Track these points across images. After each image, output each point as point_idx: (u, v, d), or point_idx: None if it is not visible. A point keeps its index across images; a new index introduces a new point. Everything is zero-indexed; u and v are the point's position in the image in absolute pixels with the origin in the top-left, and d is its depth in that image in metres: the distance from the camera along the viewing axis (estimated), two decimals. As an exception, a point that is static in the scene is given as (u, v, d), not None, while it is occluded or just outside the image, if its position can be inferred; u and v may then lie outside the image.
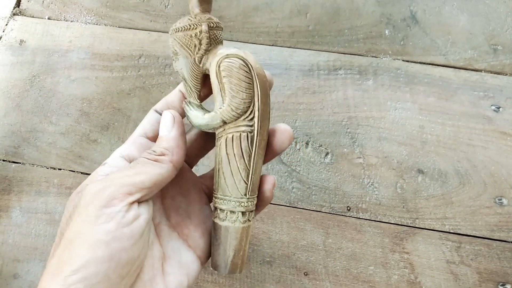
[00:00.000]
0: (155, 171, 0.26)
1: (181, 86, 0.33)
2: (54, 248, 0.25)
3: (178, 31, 0.29)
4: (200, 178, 0.33)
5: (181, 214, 0.31)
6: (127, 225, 0.24)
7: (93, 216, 0.24)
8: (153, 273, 0.27)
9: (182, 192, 0.31)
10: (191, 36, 0.29)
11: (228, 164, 0.29)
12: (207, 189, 0.33)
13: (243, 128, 0.29)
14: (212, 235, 0.30)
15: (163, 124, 0.29)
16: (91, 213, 0.24)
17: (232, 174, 0.29)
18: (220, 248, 0.30)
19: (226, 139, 0.29)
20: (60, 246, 0.24)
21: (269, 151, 0.31)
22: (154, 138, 0.32)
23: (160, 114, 0.32)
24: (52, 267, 0.23)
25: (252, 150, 0.30)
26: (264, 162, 0.31)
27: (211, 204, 0.30)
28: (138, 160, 0.27)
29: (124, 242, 0.24)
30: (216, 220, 0.30)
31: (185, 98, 0.31)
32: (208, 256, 0.31)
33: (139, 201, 0.26)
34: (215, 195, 0.30)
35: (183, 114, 0.32)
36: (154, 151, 0.28)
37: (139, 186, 0.25)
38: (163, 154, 0.27)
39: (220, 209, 0.29)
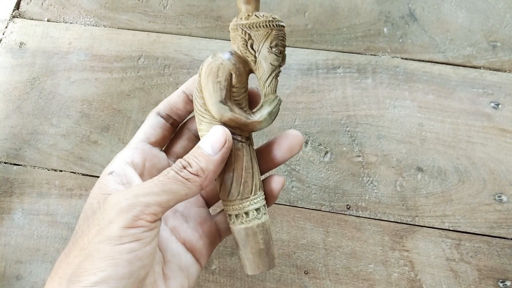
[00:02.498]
0: (182, 191, 0.25)
1: (184, 87, 0.32)
2: (67, 253, 0.25)
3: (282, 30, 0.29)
4: None
5: (177, 218, 0.31)
6: (149, 243, 0.24)
7: (117, 235, 0.23)
8: (154, 278, 0.27)
9: None
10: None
11: (256, 161, 0.30)
12: (204, 192, 0.33)
13: None
14: (256, 239, 0.29)
15: (212, 140, 0.27)
16: (115, 231, 0.23)
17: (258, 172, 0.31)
18: (271, 244, 0.30)
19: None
20: (77, 256, 0.24)
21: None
22: (156, 144, 0.31)
23: (162, 118, 0.32)
24: (67, 274, 0.23)
25: None
26: None
27: (231, 212, 0.30)
28: (167, 173, 0.26)
29: (145, 260, 0.24)
30: (263, 219, 0.30)
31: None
32: (207, 258, 0.31)
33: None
34: (249, 198, 0.29)
35: (184, 116, 0.32)
36: (190, 166, 0.26)
37: (164, 206, 0.25)
38: (198, 175, 0.26)
39: (256, 209, 0.29)
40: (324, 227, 0.49)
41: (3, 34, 0.61)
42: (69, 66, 0.58)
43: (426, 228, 0.49)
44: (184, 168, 0.26)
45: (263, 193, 0.30)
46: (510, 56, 0.56)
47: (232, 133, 0.28)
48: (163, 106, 0.32)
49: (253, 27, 0.28)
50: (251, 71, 0.29)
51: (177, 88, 0.32)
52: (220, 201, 0.31)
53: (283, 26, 0.29)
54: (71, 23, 0.61)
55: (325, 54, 0.57)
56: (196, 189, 0.26)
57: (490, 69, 0.56)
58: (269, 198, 0.31)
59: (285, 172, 0.52)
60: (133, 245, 0.23)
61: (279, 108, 0.29)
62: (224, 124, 0.28)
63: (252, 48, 0.29)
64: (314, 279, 0.48)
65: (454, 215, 0.49)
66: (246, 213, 0.29)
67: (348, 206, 0.50)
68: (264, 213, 0.30)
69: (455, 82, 0.55)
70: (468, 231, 0.49)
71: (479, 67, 0.56)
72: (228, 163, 0.29)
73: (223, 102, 0.28)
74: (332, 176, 0.52)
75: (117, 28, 0.60)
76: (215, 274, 0.48)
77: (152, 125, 0.31)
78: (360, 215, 0.50)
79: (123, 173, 0.28)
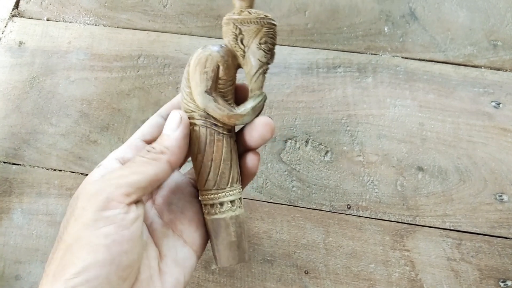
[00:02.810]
0: (151, 171, 0.26)
1: None
2: (53, 252, 0.25)
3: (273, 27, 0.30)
4: (186, 174, 0.33)
5: (173, 211, 0.30)
6: (127, 227, 0.24)
7: (91, 220, 0.23)
8: (150, 273, 0.27)
9: (172, 189, 0.31)
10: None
11: (236, 154, 0.30)
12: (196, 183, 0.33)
13: None
14: (227, 231, 0.30)
15: (169, 123, 0.28)
16: (89, 217, 0.23)
17: (236, 163, 0.31)
18: (243, 238, 0.30)
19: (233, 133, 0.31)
20: (59, 250, 0.24)
21: None
22: (151, 142, 0.31)
23: (164, 118, 0.32)
24: (52, 270, 0.23)
25: None
26: None
27: (207, 202, 0.30)
28: (134, 159, 0.27)
29: (124, 245, 0.24)
30: (237, 212, 0.30)
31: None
32: (203, 249, 0.31)
33: (136, 202, 0.25)
34: (225, 189, 0.30)
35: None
36: (153, 148, 0.27)
37: (135, 186, 0.25)
38: (162, 153, 0.27)
39: (231, 202, 0.30)
40: (324, 227, 0.49)
41: (3, 33, 0.60)
42: (69, 66, 0.58)
43: (427, 227, 0.49)
44: (149, 152, 0.27)
45: (240, 186, 0.31)
46: (511, 55, 0.56)
47: (214, 124, 0.29)
48: (165, 107, 0.32)
49: (244, 22, 0.29)
50: (239, 65, 0.30)
51: (177, 88, 0.33)
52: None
53: (274, 25, 0.30)
54: (70, 22, 0.61)
55: (325, 53, 0.57)
56: (165, 166, 0.27)
57: (491, 69, 0.56)
58: (246, 176, 0.31)
59: (285, 171, 0.52)
60: (109, 228, 0.23)
61: (263, 104, 0.30)
62: (208, 114, 0.29)
63: (242, 43, 0.29)
64: (315, 279, 0.47)
65: (455, 215, 0.49)
66: (221, 204, 0.29)
67: (348, 206, 0.50)
68: (239, 206, 0.30)
69: (455, 82, 0.55)
70: (469, 230, 0.49)
71: (480, 67, 0.56)
72: (207, 153, 0.29)
73: (208, 92, 0.29)
74: (332, 176, 0.51)
75: (117, 27, 0.60)
76: (215, 274, 0.48)
77: (150, 124, 0.32)
78: (361, 215, 0.50)
79: (110, 167, 0.28)
